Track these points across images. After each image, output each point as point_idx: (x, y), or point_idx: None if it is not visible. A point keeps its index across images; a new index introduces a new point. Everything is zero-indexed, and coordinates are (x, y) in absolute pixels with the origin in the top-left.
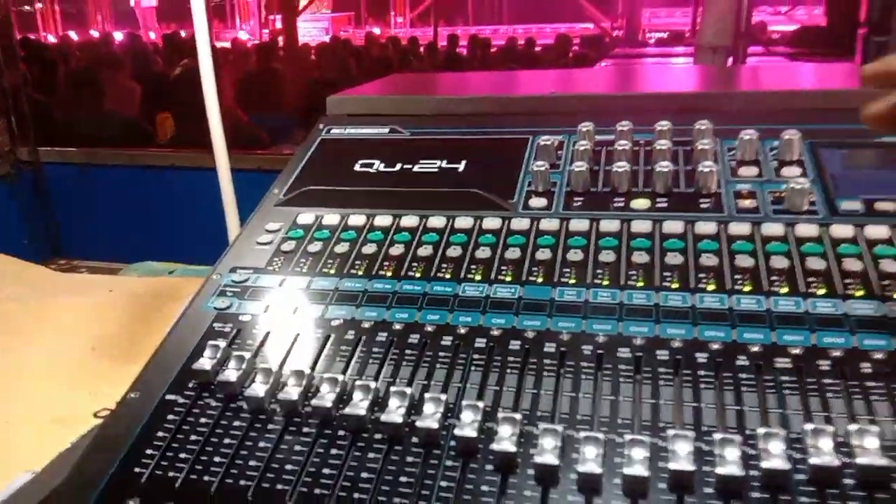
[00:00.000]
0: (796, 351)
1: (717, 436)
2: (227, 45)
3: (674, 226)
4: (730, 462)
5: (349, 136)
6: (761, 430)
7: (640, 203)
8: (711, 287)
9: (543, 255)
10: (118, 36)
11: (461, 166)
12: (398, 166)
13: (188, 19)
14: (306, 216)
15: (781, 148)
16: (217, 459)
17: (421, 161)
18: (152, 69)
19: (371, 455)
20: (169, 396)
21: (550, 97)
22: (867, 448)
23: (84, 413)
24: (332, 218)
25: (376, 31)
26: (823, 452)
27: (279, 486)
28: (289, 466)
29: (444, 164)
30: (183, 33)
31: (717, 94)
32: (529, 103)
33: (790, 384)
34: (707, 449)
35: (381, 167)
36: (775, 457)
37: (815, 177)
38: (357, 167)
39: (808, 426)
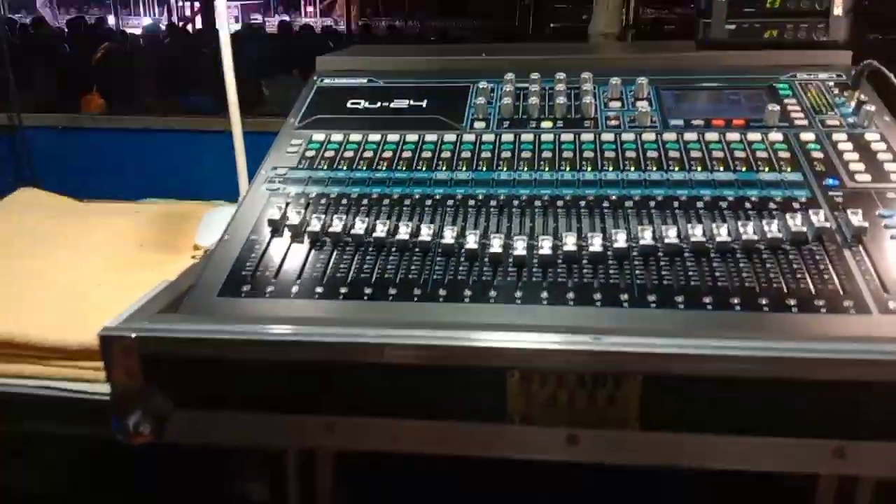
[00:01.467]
0: (637, 198)
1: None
2: (138, 31)
3: (567, 136)
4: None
5: (338, 85)
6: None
7: (546, 124)
8: (589, 168)
9: (485, 154)
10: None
11: (424, 104)
12: (378, 104)
13: (90, 5)
14: (319, 135)
15: (636, 90)
16: (294, 264)
17: (395, 100)
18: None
19: (391, 259)
20: (253, 236)
21: (484, 59)
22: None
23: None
24: (338, 136)
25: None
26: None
27: (338, 275)
28: (342, 266)
29: (411, 102)
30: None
31: (597, 57)
32: (470, 63)
33: (633, 214)
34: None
35: (367, 104)
36: (594, 245)
37: (656, 107)
38: (348, 104)
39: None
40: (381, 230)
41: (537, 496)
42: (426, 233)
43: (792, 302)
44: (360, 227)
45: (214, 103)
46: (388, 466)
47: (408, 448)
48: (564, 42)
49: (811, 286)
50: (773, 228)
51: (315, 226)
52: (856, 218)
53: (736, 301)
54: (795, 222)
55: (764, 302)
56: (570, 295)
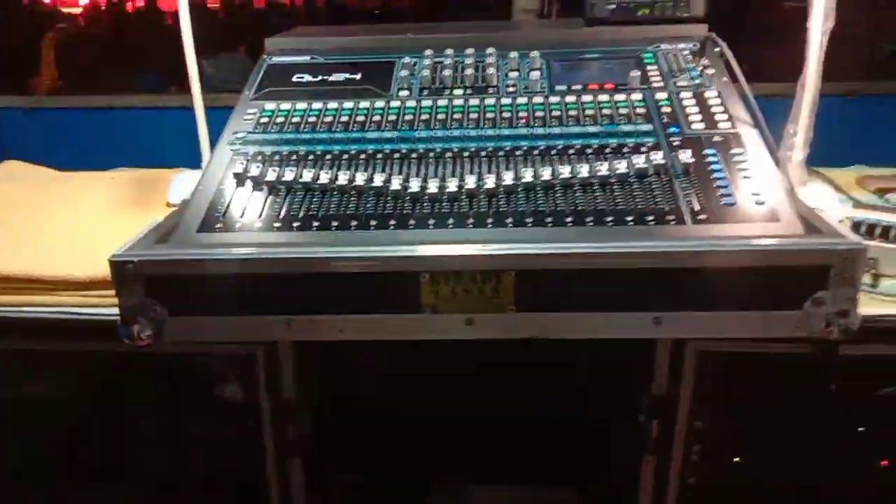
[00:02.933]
0: (524, 147)
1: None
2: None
3: (474, 101)
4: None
5: (285, 62)
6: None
7: (458, 92)
8: (489, 126)
9: (408, 117)
10: None
11: (358, 76)
12: (320, 77)
13: None
14: (270, 105)
15: (531, 62)
16: (256, 207)
17: (333, 74)
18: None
19: (333, 199)
20: (221, 186)
21: (409, 37)
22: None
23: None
24: (286, 105)
25: None
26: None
27: (291, 213)
28: (293, 206)
29: (347, 75)
30: None
31: (502, 35)
32: (397, 41)
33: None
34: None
35: (310, 78)
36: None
37: (545, 75)
38: (294, 79)
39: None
40: (324, 178)
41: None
42: (360, 179)
43: (630, 218)
44: (307, 176)
45: (162, 80)
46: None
47: (349, 337)
48: (490, 21)
49: (646, 207)
50: (622, 166)
51: (271, 176)
52: (685, 156)
53: (590, 220)
54: (639, 161)
55: (609, 219)
56: (470, 221)
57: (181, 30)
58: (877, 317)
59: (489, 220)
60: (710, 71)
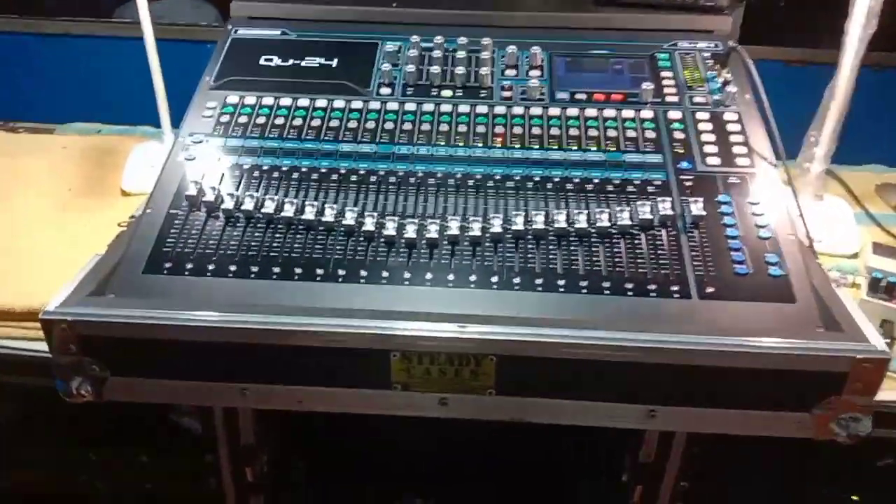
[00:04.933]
0: (517, 178)
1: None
2: None
3: (463, 107)
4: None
5: (252, 37)
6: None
7: (446, 93)
8: (480, 144)
9: (388, 125)
10: None
11: (334, 63)
12: (290, 61)
13: None
14: (233, 97)
15: (531, 58)
16: (211, 242)
17: (306, 58)
18: None
19: (298, 238)
20: (172, 211)
21: (394, 9)
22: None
23: (93, 231)
24: (251, 99)
25: None
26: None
27: (250, 253)
28: (253, 244)
29: (322, 60)
30: None
31: (500, 14)
32: (381, 13)
33: (508, 194)
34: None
35: (279, 62)
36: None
37: (547, 76)
38: (261, 61)
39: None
40: (289, 209)
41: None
42: (330, 213)
43: (629, 286)
44: (269, 205)
45: None
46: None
47: (308, 408)
48: None
49: (648, 271)
50: (624, 216)
51: (228, 203)
52: (696, 206)
53: (584, 284)
54: (645, 210)
55: (606, 286)
56: (450, 277)
57: None
58: (889, 403)
59: (472, 278)
60: (732, 89)
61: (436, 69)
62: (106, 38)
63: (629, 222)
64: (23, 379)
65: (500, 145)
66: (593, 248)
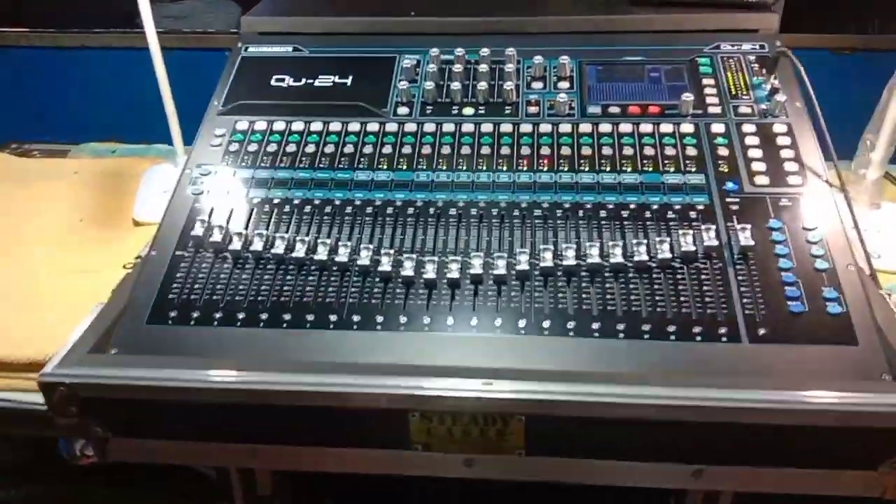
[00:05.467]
0: (545, 205)
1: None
2: None
3: (486, 126)
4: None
5: (263, 55)
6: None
7: (468, 111)
8: (504, 168)
9: (406, 150)
10: None
11: (349, 81)
12: (303, 80)
13: None
14: (242, 123)
15: (559, 69)
16: (219, 287)
17: (319, 76)
18: None
19: (310, 280)
20: (178, 252)
21: (412, 20)
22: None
23: (102, 265)
24: (261, 125)
25: None
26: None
27: (260, 298)
28: (263, 288)
29: (336, 79)
30: None
31: (526, 20)
32: (397, 24)
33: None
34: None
35: (291, 81)
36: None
37: (577, 87)
38: (273, 82)
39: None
40: (300, 249)
41: None
42: (344, 253)
43: (671, 329)
44: (279, 245)
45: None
46: None
47: (327, 469)
48: None
49: (692, 311)
50: (664, 248)
51: (236, 243)
52: (744, 235)
53: (621, 328)
54: (686, 240)
55: (646, 328)
56: (473, 321)
57: None
58: None
59: (497, 322)
60: (781, 98)
61: (456, 85)
62: (121, 50)
63: (669, 255)
64: (27, 431)
65: (526, 168)
66: (631, 286)
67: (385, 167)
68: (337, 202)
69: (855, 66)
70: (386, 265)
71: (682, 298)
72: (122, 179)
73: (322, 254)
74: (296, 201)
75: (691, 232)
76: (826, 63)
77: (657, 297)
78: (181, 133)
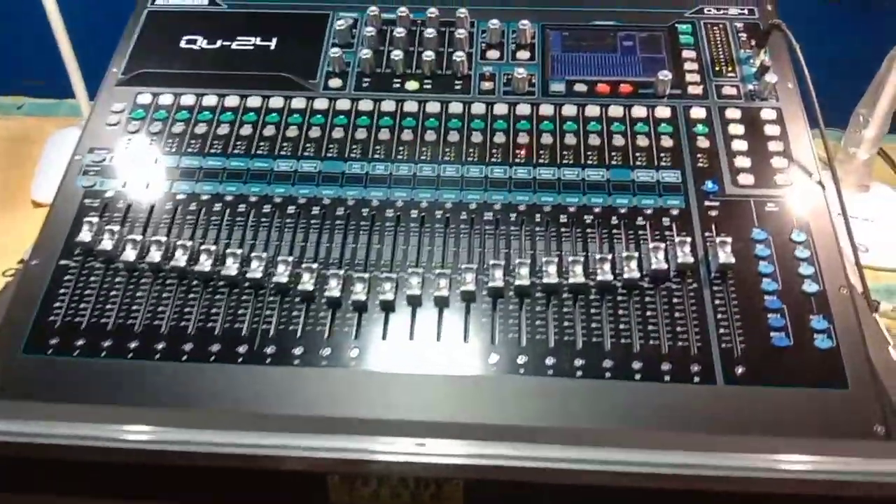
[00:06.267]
0: (498, 207)
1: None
2: None
3: (433, 106)
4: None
5: (173, 8)
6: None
7: (412, 85)
8: (452, 157)
9: (337, 133)
10: None
11: (273, 44)
12: (219, 42)
13: None
14: (144, 97)
15: (519, 34)
16: (108, 307)
17: (238, 37)
18: None
19: (217, 299)
20: (62, 262)
21: None
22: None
23: None
24: (167, 98)
25: None
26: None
27: (156, 322)
28: (160, 309)
29: (258, 41)
30: None
31: None
32: None
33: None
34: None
35: (205, 43)
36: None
37: (539, 58)
38: (183, 44)
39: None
40: (205, 261)
41: None
42: (257, 267)
43: (637, 366)
44: (181, 255)
45: None
46: None
47: None
48: None
49: (661, 343)
50: (631, 266)
51: (130, 254)
52: (724, 251)
53: (580, 364)
54: (658, 256)
55: (608, 366)
56: (406, 354)
57: None
58: None
59: (433, 356)
60: (771, 78)
61: (398, 54)
62: None
63: (637, 274)
64: None
65: (476, 160)
66: (592, 310)
67: (312, 154)
68: (253, 199)
69: (848, 17)
70: (308, 283)
71: (650, 327)
72: (24, 146)
73: (231, 267)
74: (204, 197)
75: (663, 245)
76: (812, 12)
77: (621, 326)
78: (84, 87)
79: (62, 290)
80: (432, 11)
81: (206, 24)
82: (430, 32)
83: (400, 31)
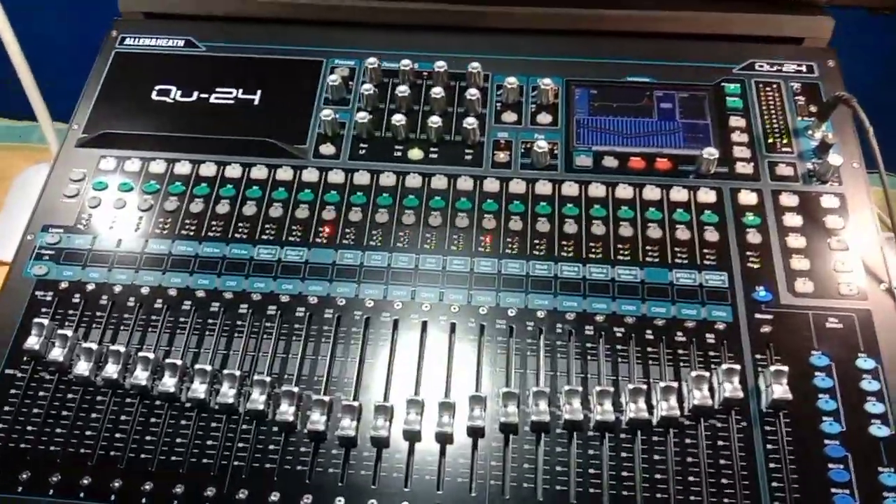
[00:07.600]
0: (512, 314)
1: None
2: None
3: (439, 181)
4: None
5: (143, 51)
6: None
7: (415, 154)
8: (460, 247)
9: (328, 213)
10: None
11: (256, 98)
12: (195, 95)
13: None
14: (108, 161)
15: (540, 94)
16: (58, 431)
17: (217, 88)
18: None
19: (181, 426)
20: (8, 371)
21: (345, 5)
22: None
23: None
24: (133, 165)
25: None
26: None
27: (112, 453)
28: (118, 436)
29: (240, 93)
30: None
31: (495, 14)
32: (324, 10)
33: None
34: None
35: (178, 96)
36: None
37: (562, 122)
38: (154, 95)
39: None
40: (169, 381)
41: None
42: (228, 391)
43: None
44: (141, 372)
45: None
46: None
47: None
48: None
49: (704, 500)
50: (667, 405)
51: (83, 367)
52: (779, 386)
53: None
54: (702, 389)
55: None
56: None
57: None
58: None
59: None
60: (835, 160)
61: (399, 118)
62: None
63: (676, 412)
64: None
65: (489, 251)
66: (622, 454)
67: (298, 240)
68: (228, 295)
69: None
70: (287, 413)
71: (690, 478)
72: None
73: (199, 390)
74: (171, 292)
75: (707, 375)
76: (861, 25)
77: (657, 476)
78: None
79: (7, 409)
80: (440, 65)
81: (180, 70)
82: (437, 92)
83: (403, 91)
